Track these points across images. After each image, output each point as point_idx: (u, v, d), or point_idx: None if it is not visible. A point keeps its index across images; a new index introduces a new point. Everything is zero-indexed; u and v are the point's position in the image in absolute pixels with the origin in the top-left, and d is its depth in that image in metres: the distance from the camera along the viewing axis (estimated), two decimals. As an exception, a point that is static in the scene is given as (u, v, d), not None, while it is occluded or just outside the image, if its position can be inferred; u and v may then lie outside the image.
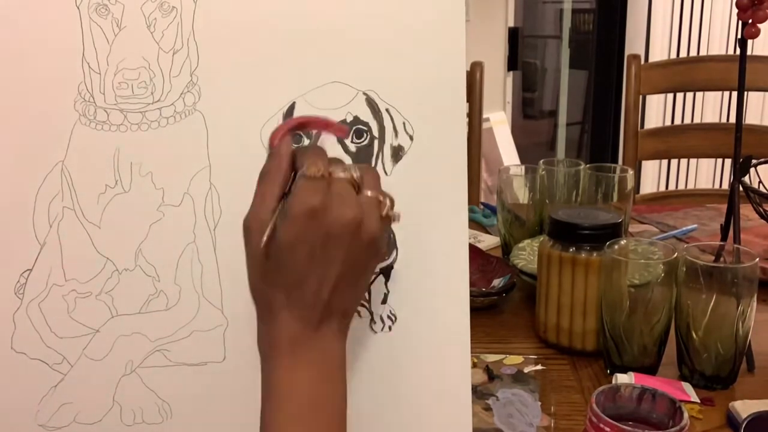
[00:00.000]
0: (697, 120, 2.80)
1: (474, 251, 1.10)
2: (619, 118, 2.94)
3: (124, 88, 0.60)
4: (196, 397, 0.62)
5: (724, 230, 0.91)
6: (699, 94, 2.80)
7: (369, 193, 0.51)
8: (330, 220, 0.48)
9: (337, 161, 0.52)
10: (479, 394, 0.79)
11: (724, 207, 0.93)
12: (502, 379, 0.82)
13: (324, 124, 0.56)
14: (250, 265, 0.51)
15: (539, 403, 0.78)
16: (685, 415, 0.60)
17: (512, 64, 2.90)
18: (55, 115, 0.60)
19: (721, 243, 0.87)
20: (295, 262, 0.49)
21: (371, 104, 0.61)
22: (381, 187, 0.52)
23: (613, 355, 0.84)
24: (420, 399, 0.63)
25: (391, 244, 0.62)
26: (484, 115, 1.96)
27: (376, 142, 0.62)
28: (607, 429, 0.59)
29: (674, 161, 2.83)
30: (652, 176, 2.88)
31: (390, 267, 0.62)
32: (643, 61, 1.68)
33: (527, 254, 1.09)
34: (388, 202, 0.52)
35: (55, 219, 0.61)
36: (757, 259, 0.79)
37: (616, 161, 2.73)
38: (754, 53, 2.01)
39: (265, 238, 0.49)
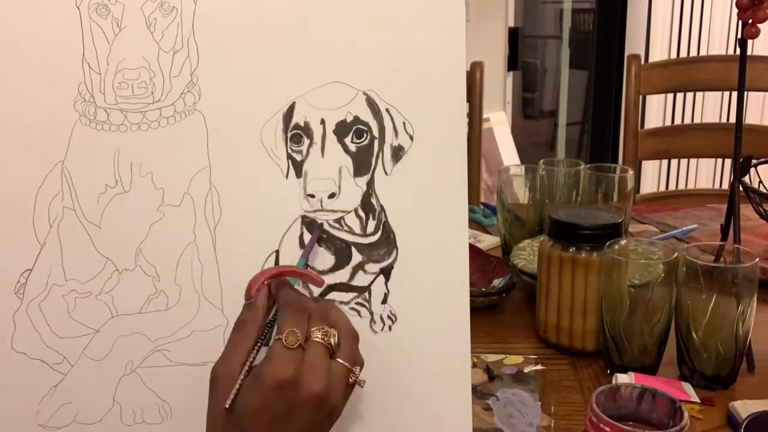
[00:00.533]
0: (697, 120, 2.80)
1: (474, 251, 1.10)
2: (619, 118, 2.94)
3: (124, 88, 0.60)
4: (196, 397, 0.62)
5: (724, 230, 0.91)
6: (699, 94, 2.80)
7: (341, 360, 0.52)
8: (298, 393, 0.49)
9: (320, 317, 0.53)
10: (479, 394, 0.79)
11: (724, 207, 0.93)
12: (502, 379, 0.82)
13: (299, 274, 0.58)
14: (211, 418, 0.51)
15: (539, 403, 0.78)
16: (685, 415, 0.60)
17: (512, 64, 2.90)
18: (55, 115, 0.60)
19: (721, 243, 0.87)
20: (256, 429, 0.49)
21: (371, 104, 0.61)
22: (357, 351, 0.54)
23: (613, 355, 0.84)
24: (420, 399, 0.63)
25: (391, 245, 0.62)
26: (484, 115, 1.96)
27: (376, 142, 0.62)
28: (607, 429, 0.59)
29: (674, 161, 2.83)
30: (652, 176, 2.88)
31: (390, 267, 0.62)
32: (643, 61, 1.68)
33: (527, 254, 1.09)
34: (357, 370, 0.53)
35: (55, 219, 0.61)
36: (757, 259, 0.79)
37: (616, 161, 2.73)
38: (754, 53, 2.02)
39: (229, 401, 0.49)
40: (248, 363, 0.51)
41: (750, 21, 0.84)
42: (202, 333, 0.61)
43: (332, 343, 0.52)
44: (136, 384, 0.62)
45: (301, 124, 0.61)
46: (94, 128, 0.60)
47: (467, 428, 0.63)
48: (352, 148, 0.61)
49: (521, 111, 3.71)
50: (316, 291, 0.61)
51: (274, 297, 0.55)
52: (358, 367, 0.53)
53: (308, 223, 0.62)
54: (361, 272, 0.62)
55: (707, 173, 2.90)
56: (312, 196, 0.61)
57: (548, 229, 0.93)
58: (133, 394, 0.62)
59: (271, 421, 0.49)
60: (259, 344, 0.52)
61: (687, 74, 1.69)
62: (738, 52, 0.86)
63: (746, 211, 0.95)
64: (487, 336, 0.95)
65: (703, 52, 2.77)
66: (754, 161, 0.91)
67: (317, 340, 0.51)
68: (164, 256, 0.61)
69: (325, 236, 0.61)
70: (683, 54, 2.79)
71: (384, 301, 0.62)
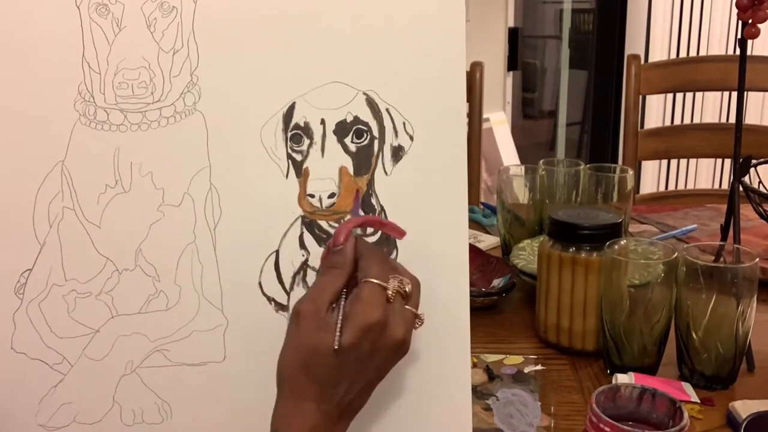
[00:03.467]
0: (697, 120, 2.80)
1: (474, 251, 1.10)
2: (619, 118, 2.94)
3: (124, 88, 0.60)
4: (196, 397, 0.62)
5: (724, 230, 0.91)
6: (699, 94, 2.80)
7: (411, 308, 0.56)
8: (383, 336, 0.53)
9: (394, 268, 0.56)
10: (479, 394, 0.79)
11: (724, 207, 0.93)
12: (502, 379, 0.82)
13: (382, 224, 0.60)
14: (293, 348, 0.54)
15: (539, 403, 0.78)
16: (685, 415, 0.60)
17: (512, 64, 2.90)
18: (55, 115, 0.60)
19: (721, 243, 0.87)
20: (342, 366, 0.53)
21: (371, 104, 0.61)
22: (419, 298, 0.57)
23: (613, 355, 0.84)
24: (420, 399, 0.63)
25: (391, 245, 0.62)
26: (484, 115, 1.96)
27: (376, 142, 0.62)
28: (607, 429, 0.59)
29: (674, 161, 2.83)
30: (652, 176, 2.88)
31: (390, 267, 0.62)
32: (643, 61, 1.68)
33: (527, 254, 1.09)
34: (423, 315, 0.57)
35: (55, 219, 0.61)
36: (757, 259, 0.79)
37: (616, 161, 2.73)
38: (754, 53, 2.02)
39: (337, 341, 0.52)
40: (338, 304, 0.54)
41: (750, 21, 0.84)
42: (202, 333, 0.61)
43: (407, 290, 0.55)
44: (136, 384, 0.62)
45: (301, 124, 0.61)
46: (94, 128, 0.60)
47: (467, 428, 0.63)
48: (352, 148, 0.61)
49: (521, 111, 3.71)
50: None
51: (355, 246, 0.57)
52: (423, 313, 0.57)
53: (308, 223, 0.62)
54: (361, 272, 0.62)
55: (707, 173, 2.90)
56: (312, 196, 0.61)
57: (548, 229, 0.93)
58: (133, 394, 0.62)
59: (356, 360, 0.53)
60: (347, 288, 0.55)
61: (687, 74, 1.69)
62: (738, 52, 0.86)
63: (746, 211, 0.95)
64: (487, 336, 0.95)
65: (703, 52, 2.77)
66: (754, 161, 0.91)
67: (398, 289, 0.55)
68: (164, 256, 0.61)
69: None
70: (683, 54, 2.79)
71: (384, 301, 0.62)
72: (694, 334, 0.81)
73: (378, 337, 0.53)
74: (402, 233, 0.59)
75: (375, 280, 0.54)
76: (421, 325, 0.57)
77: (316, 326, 0.53)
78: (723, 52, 2.73)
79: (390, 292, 0.54)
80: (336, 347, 0.52)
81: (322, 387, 0.53)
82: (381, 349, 0.54)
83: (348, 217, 0.61)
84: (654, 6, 2.79)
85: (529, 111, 3.84)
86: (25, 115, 0.60)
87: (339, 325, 0.52)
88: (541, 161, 1.19)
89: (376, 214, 0.62)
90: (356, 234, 0.58)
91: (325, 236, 0.61)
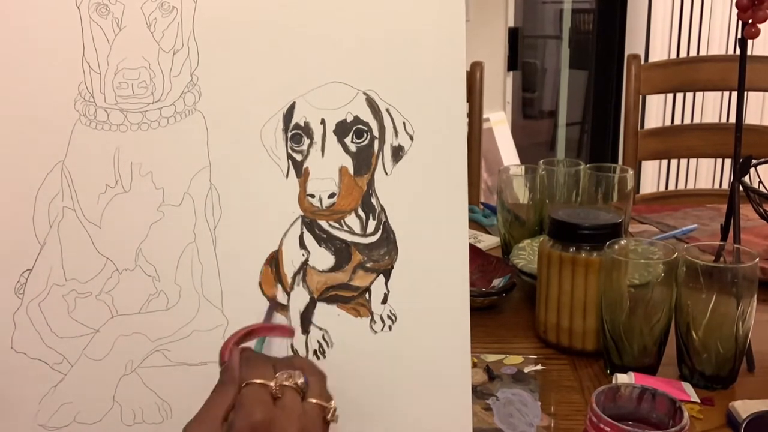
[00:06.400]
0: (697, 120, 2.80)
1: (474, 251, 1.10)
2: (619, 118, 2.94)
3: (124, 88, 0.60)
4: (196, 397, 0.62)
5: (724, 230, 0.91)
6: (699, 94, 2.80)
7: (314, 400, 0.51)
8: None
9: (283, 365, 0.52)
10: (479, 394, 0.79)
11: (724, 207, 0.93)
12: (502, 379, 0.82)
13: (269, 330, 0.57)
14: None
15: (539, 403, 0.78)
16: (685, 415, 0.60)
17: (512, 64, 2.90)
18: (56, 114, 0.60)
19: (721, 243, 0.87)
20: None
21: (371, 104, 0.61)
22: (326, 389, 0.53)
23: (613, 355, 0.84)
24: (420, 399, 0.63)
25: (391, 245, 0.62)
26: (484, 115, 1.96)
27: (376, 142, 0.62)
28: (607, 429, 0.59)
29: (674, 161, 2.83)
30: (652, 176, 2.88)
31: (390, 267, 0.62)
32: (643, 61, 1.68)
33: (527, 254, 1.09)
34: (332, 404, 0.52)
35: (55, 219, 0.61)
36: (757, 259, 0.79)
37: (616, 161, 2.73)
38: (754, 53, 2.02)
39: None
40: (228, 421, 0.50)
41: (750, 21, 0.84)
42: (202, 333, 0.61)
43: (299, 383, 0.51)
44: (136, 384, 0.62)
45: (302, 124, 0.61)
46: (94, 128, 0.60)
47: (467, 428, 0.63)
48: (353, 148, 0.61)
49: (521, 111, 3.71)
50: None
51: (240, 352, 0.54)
52: (332, 402, 0.53)
53: (308, 223, 0.62)
54: (361, 272, 0.62)
55: (707, 173, 2.90)
56: (312, 195, 0.61)
57: (548, 229, 0.93)
58: (133, 394, 0.62)
59: None
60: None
61: (687, 74, 1.69)
62: (738, 52, 0.86)
63: (746, 211, 0.95)
64: (487, 336, 0.95)
65: (703, 52, 2.77)
66: (754, 161, 0.91)
67: (285, 383, 0.51)
68: (164, 256, 0.61)
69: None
70: (683, 54, 2.79)
71: (384, 301, 0.62)
72: (694, 334, 0.81)
73: None
74: (292, 332, 0.58)
75: (255, 380, 0.50)
76: (335, 420, 0.52)
77: None
78: (723, 52, 2.73)
79: (274, 388, 0.50)
80: None
81: None
82: None
83: (349, 217, 0.61)
84: (654, 6, 2.79)
85: (529, 111, 3.84)
86: (25, 115, 0.60)
87: None
88: (541, 161, 1.19)
89: (376, 214, 0.62)
90: (240, 347, 0.55)
91: (325, 236, 0.62)
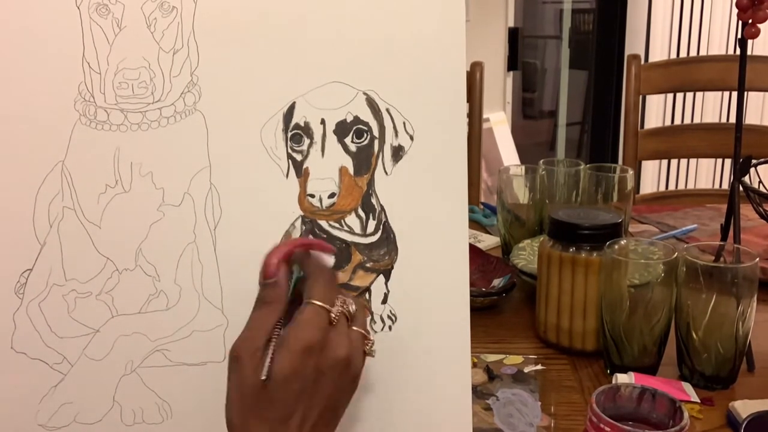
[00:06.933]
0: (697, 120, 2.80)
1: (474, 251, 1.10)
2: (619, 118, 2.94)
3: (124, 88, 0.60)
4: (196, 397, 0.62)
5: (724, 230, 0.91)
6: (699, 94, 2.80)
7: (358, 329, 0.54)
8: (324, 358, 0.51)
9: (340, 291, 0.54)
10: (479, 394, 0.79)
11: (724, 207, 0.93)
12: (502, 379, 0.82)
13: (309, 245, 0.57)
14: (237, 397, 0.50)
15: (539, 403, 0.78)
16: (685, 415, 0.60)
17: (512, 64, 2.90)
18: (56, 115, 0.60)
19: (721, 243, 0.87)
20: (287, 397, 0.50)
21: (371, 104, 0.61)
22: (367, 322, 0.55)
23: (613, 355, 0.84)
24: (420, 399, 0.63)
25: (391, 245, 0.62)
26: (484, 115, 1.96)
27: (376, 142, 0.62)
28: (607, 429, 0.59)
29: (674, 161, 2.83)
30: (652, 176, 2.88)
31: (390, 267, 0.62)
32: (643, 61, 1.68)
33: (527, 254, 1.09)
34: (372, 338, 0.55)
35: (55, 219, 0.61)
36: (757, 259, 0.79)
37: (616, 161, 2.73)
38: (754, 53, 2.02)
39: (265, 370, 0.49)
40: (274, 339, 0.51)
41: (750, 21, 0.84)
42: (202, 333, 0.61)
43: (350, 311, 0.53)
44: (136, 384, 0.62)
45: (302, 124, 0.61)
46: (94, 128, 0.60)
47: (467, 428, 0.63)
48: (353, 147, 0.61)
49: (521, 111, 3.71)
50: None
51: (301, 266, 0.55)
52: (372, 337, 0.55)
53: (308, 223, 0.62)
54: (361, 272, 0.62)
55: (707, 173, 2.90)
56: (312, 195, 0.61)
57: (548, 229, 0.93)
58: (133, 394, 0.62)
59: (302, 388, 0.50)
60: (282, 321, 0.53)
61: (687, 74, 1.69)
62: (738, 52, 0.86)
63: (746, 211, 0.95)
64: (487, 336, 0.95)
65: (703, 52, 2.77)
66: (754, 161, 0.91)
67: (338, 308, 0.53)
68: (164, 256, 0.61)
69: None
70: (683, 54, 2.79)
71: (384, 301, 0.62)
72: (694, 334, 0.81)
73: (318, 359, 0.50)
74: (332, 249, 0.57)
75: (318, 302, 0.51)
76: (372, 354, 0.55)
77: (254, 366, 0.50)
78: (723, 52, 2.73)
79: (333, 315, 0.52)
80: (263, 377, 0.49)
81: (270, 426, 0.50)
82: (325, 372, 0.51)
83: (349, 217, 0.61)
84: (654, 6, 2.79)
85: (529, 111, 3.84)
86: (25, 115, 0.60)
87: (270, 356, 0.50)
88: (541, 161, 1.19)
89: (376, 214, 0.62)
90: (298, 254, 0.55)
91: (325, 236, 0.61)
